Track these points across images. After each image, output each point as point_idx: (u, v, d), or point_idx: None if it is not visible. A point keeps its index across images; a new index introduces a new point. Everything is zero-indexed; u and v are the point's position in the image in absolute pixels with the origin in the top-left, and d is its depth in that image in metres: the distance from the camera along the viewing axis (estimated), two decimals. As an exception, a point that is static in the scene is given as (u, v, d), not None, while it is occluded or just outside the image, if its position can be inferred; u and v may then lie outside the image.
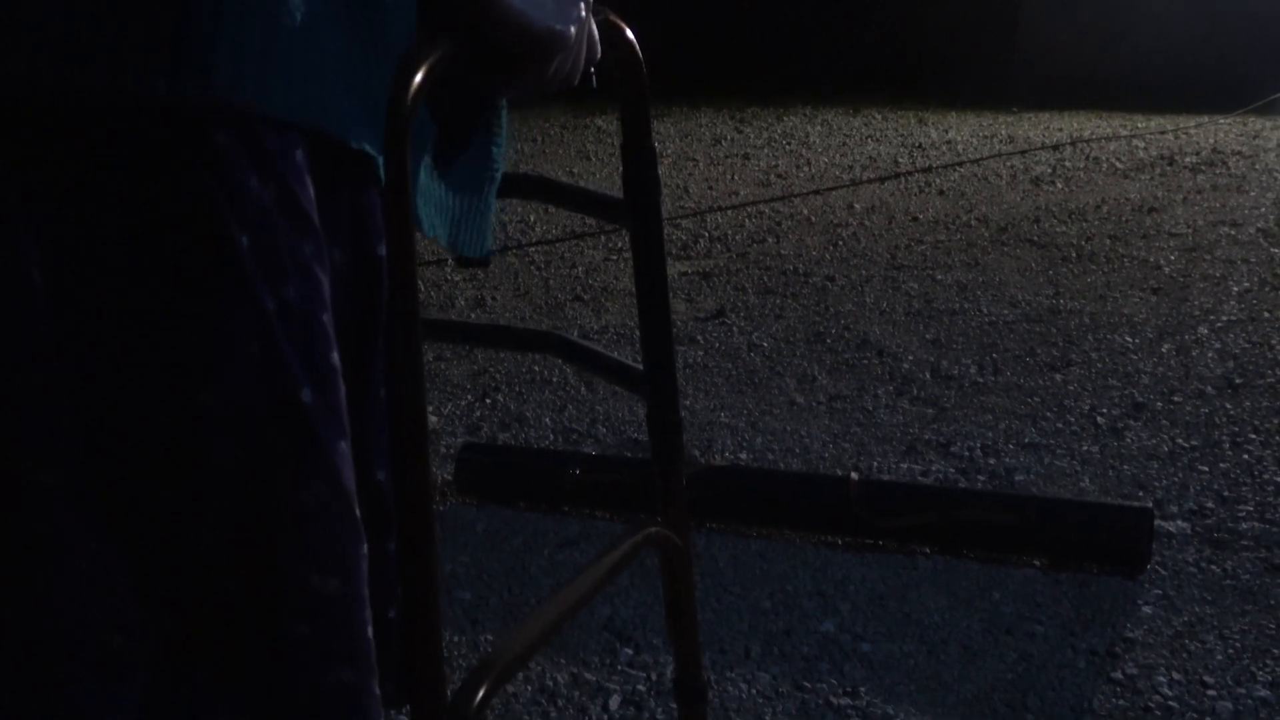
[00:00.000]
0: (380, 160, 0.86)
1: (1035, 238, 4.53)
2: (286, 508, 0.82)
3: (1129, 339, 3.39)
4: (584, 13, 0.98)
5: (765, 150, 6.58)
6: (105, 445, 0.80)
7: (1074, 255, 4.27)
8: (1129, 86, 7.76)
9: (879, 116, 7.48)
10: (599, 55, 1.04)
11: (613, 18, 1.10)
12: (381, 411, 0.89)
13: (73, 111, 0.76)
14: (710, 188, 5.67)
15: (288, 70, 0.78)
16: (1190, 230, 4.55)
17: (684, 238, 4.76)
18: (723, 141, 6.87)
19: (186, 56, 0.74)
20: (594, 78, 1.06)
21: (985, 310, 3.69)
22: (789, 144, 6.73)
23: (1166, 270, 4.05)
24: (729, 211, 5.17)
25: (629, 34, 1.13)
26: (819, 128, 7.21)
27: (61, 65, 0.74)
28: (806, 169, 6.04)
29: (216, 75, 0.75)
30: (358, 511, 0.85)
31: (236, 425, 0.80)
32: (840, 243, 4.59)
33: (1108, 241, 4.44)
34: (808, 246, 4.55)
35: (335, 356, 0.83)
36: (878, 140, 6.75)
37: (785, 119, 7.50)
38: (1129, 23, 8.23)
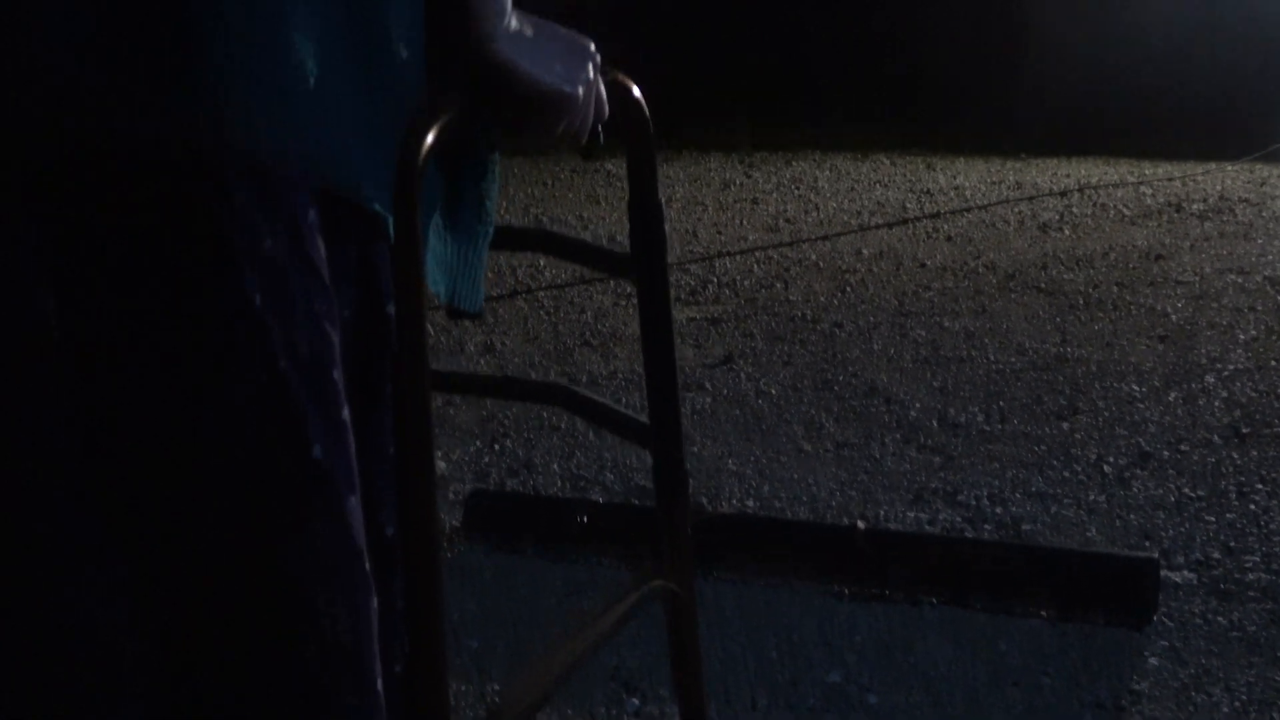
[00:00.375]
0: (390, 219, 0.88)
1: (1043, 285, 4.55)
2: (297, 560, 0.83)
3: (1136, 387, 3.40)
4: (592, 74, 1.00)
5: (774, 195, 6.61)
6: (117, 490, 0.81)
7: (1081, 303, 4.28)
8: (1136, 131, 7.79)
9: (887, 162, 7.51)
10: (606, 114, 1.06)
11: (621, 78, 1.12)
12: (390, 466, 0.91)
13: (93, 161, 0.78)
14: (719, 232, 5.69)
15: (302, 130, 0.80)
16: (1197, 278, 4.56)
17: (692, 283, 4.77)
18: (732, 186, 6.91)
19: (200, 113, 0.76)
20: (601, 135, 1.08)
21: (992, 358, 3.70)
22: (798, 189, 6.76)
23: (1174, 318, 4.06)
24: (737, 257, 5.20)
25: (636, 92, 1.15)
26: (827, 173, 7.24)
27: (78, 115, 0.76)
28: (815, 214, 6.07)
29: (231, 134, 0.77)
30: (368, 565, 0.86)
31: (249, 478, 0.82)
32: (848, 289, 4.60)
33: (1115, 289, 4.45)
34: (816, 292, 4.56)
35: (345, 412, 0.84)
36: (886, 186, 6.78)
37: (794, 164, 7.53)
38: (1136, 68, 8.27)
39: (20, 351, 0.82)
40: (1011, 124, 8.18)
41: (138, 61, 0.75)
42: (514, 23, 0.95)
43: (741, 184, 6.96)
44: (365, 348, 0.89)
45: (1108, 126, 7.97)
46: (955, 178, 6.93)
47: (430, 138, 0.90)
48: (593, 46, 1.01)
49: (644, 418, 1.26)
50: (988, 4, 8.86)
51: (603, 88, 1.04)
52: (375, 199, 0.86)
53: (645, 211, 1.20)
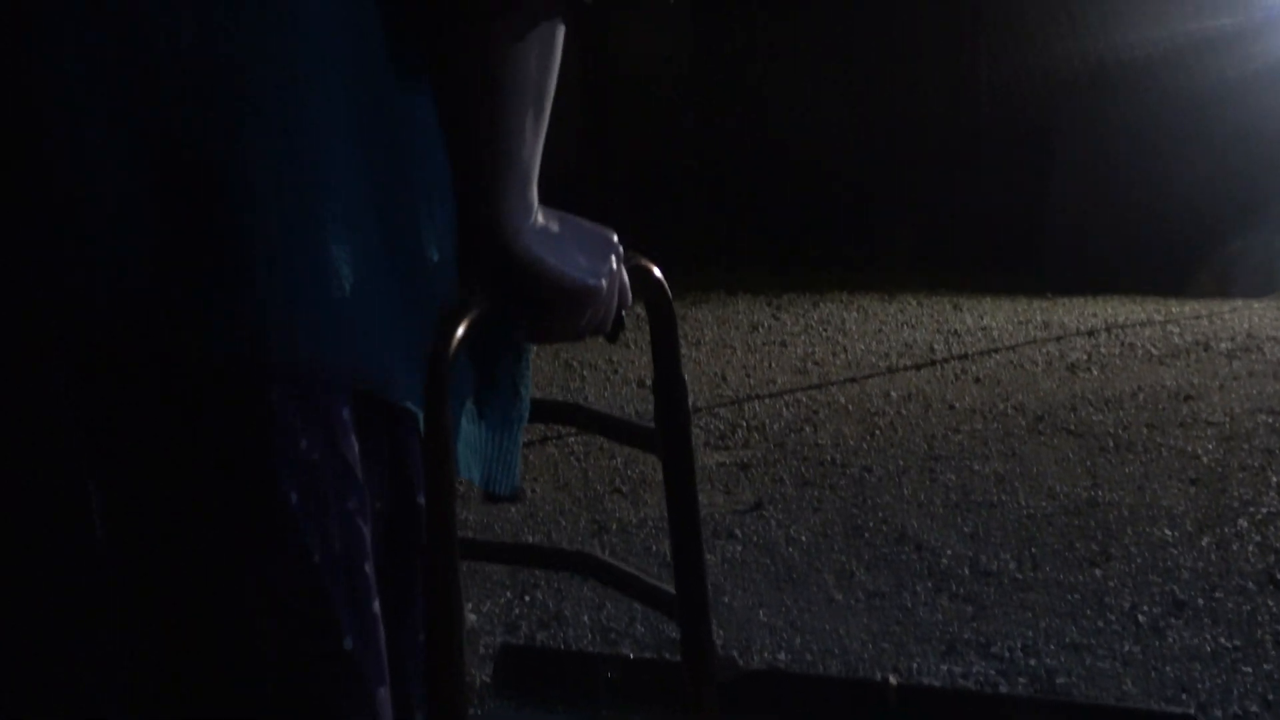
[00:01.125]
0: (421, 415, 0.91)
1: (1072, 427, 4.55)
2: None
3: (1168, 532, 3.38)
4: (616, 265, 1.04)
5: (802, 337, 6.65)
6: (150, 680, 0.84)
7: (1111, 445, 4.28)
8: (1162, 269, 7.83)
9: (914, 302, 7.56)
10: (630, 301, 1.09)
11: (643, 262, 1.15)
12: (419, 655, 0.93)
13: (136, 363, 0.81)
14: (748, 375, 5.73)
15: (338, 336, 0.84)
16: (1227, 418, 4.55)
17: (722, 427, 4.80)
18: (760, 328, 6.96)
19: (243, 325, 0.80)
20: (624, 320, 1.12)
21: (1023, 502, 3.70)
22: (825, 330, 6.81)
23: (1204, 460, 4.05)
24: (766, 400, 5.23)
25: (657, 273, 1.19)
26: (855, 314, 7.30)
27: (125, 322, 0.80)
28: (843, 355, 6.11)
29: (272, 343, 0.81)
30: (396, 755, 0.88)
31: (281, 669, 0.84)
32: (877, 432, 4.61)
33: (1145, 430, 4.45)
34: (845, 436, 4.58)
35: (376, 605, 0.87)
36: (913, 326, 6.82)
37: (821, 305, 7.59)
38: (1160, 205, 8.34)
39: (67, 542, 0.85)
40: (1038, 263, 8.25)
41: (183, 273, 0.79)
42: (540, 219, 0.99)
43: (769, 326, 7.02)
44: (397, 538, 0.92)
45: (1134, 264, 8.02)
46: (982, 318, 6.97)
47: (459, 333, 0.93)
48: (615, 237, 1.05)
49: (670, 586, 1.28)
50: (1013, 144, 8.99)
51: (625, 275, 1.08)
52: (407, 396, 0.89)
53: (669, 388, 1.23)
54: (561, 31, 0.95)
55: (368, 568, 0.86)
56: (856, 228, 9.18)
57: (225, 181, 0.79)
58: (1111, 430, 4.47)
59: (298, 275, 0.81)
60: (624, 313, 1.11)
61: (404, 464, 0.93)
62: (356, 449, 0.86)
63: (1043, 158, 8.81)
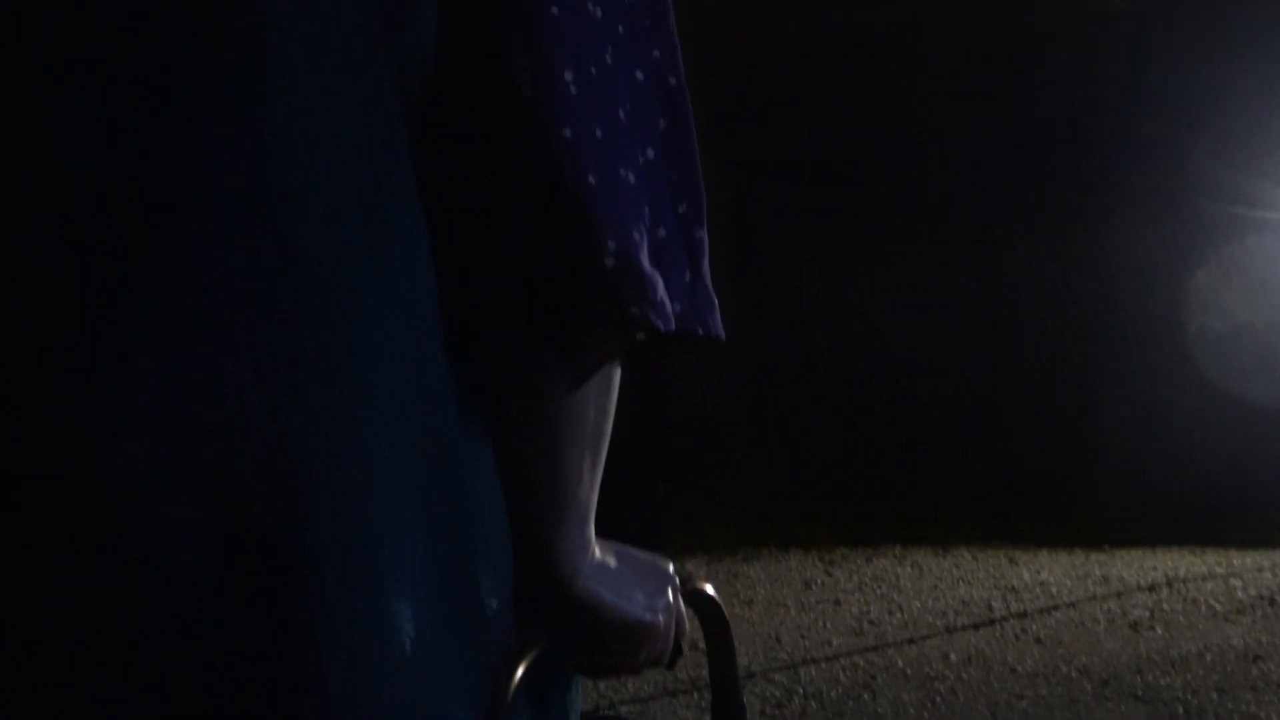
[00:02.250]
0: (479, 763, 0.90)
1: (1139, 692, 4.42)
2: None
3: (1248, 810, 3.25)
4: (673, 598, 1.04)
5: (856, 595, 6.56)
6: None
7: (1181, 711, 4.15)
8: (1220, 518, 7.72)
9: (969, 556, 7.47)
10: (686, 629, 1.09)
11: (699, 586, 1.15)
12: None
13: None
14: (802, 636, 5.64)
15: (399, 697, 0.84)
16: (1300, 681, 4.43)
17: (778, 694, 4.70)
18: (813, 585, 6.88)
19: (305, 696, 0.80)
20: (683, 647, 1.11)
21: (1093, 777, 3.57)
22: (879, 588, 6.72)
23: (1280, 728, 3.92)
24: (822, 664, 5.12)
25: (711, 592, 1.18)
26: (909, 569, 7.21)
27: (185, 704, 0.81)
28: (899, 614, 6.01)
29: (334, 710, 0.81)
30: None
31: None
32: (938, 698, 4.50)
33: (1214, 695, 4.32)
34: (905, 703, 4.46)
35: None
36: (969, 583, 6.72)
37: (875, 561, 7.51)
38: (1212, 452, 8.29)
39: None
40: (1092, 513, 8.16)
41: (244, 648, 0.80)
42: (597, 554, 0.99)
43: (823, 583, 6.94)
44: None
45: (1190, 513, 7.92)
46: (1039, 572, 6.86)
47: (518, 675, 0.93)
48: (671, 568, 1.06)
49: None
50: (1059, 391, 9.02)
51: (681, 605, 1.07)
52: (467, 748, 0.89)
53: (727, 711, 1.21)
54: (618, 373, 0.98)
55: None
56: (907, 479, 9.15)
57: (291, 557, 0.80)
58: (1180, 695, 4.34)
59: (361, 640, 0.82)
60: (680, 641, 1.10)
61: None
62: (418, 809, 0.85)
63: (1088, 402, 8.82)
